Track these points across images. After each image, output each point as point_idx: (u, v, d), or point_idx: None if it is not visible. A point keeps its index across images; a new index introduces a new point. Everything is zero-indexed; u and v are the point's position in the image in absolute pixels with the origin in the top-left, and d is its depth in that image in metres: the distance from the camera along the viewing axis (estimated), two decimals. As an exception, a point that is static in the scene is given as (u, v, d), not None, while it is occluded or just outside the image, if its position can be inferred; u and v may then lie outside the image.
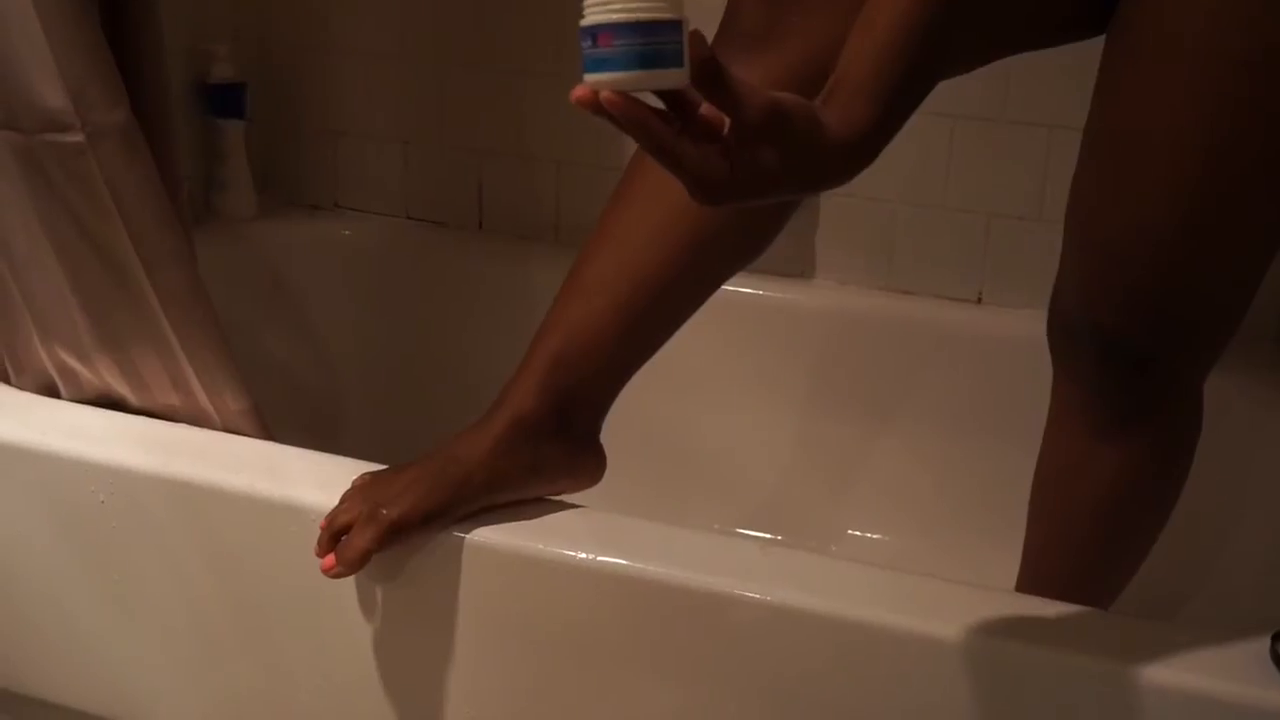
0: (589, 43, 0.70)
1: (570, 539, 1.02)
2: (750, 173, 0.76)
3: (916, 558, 1.53)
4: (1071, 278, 1.07)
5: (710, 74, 0.72)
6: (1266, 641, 0.91)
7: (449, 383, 1.70)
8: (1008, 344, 1.55)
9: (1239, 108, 0.92)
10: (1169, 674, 0.90)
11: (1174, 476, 1.11)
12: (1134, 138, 0.97)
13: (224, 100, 1.71)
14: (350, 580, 1.05)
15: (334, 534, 1.02)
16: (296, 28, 1.76)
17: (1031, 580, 1.17)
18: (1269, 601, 1.06)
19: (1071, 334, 1.08)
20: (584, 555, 1.01)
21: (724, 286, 1.10)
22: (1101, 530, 1.13)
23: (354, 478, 1.07)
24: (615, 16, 0.69)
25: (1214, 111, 0.93)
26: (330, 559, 1.01)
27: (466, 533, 1.03)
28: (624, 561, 1.00)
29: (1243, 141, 0.93)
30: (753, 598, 0.98)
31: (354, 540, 1.00)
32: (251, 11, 1.77)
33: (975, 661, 0.94)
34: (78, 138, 1.09)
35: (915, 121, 1.46)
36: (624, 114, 0.71)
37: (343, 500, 1.04)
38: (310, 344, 1.77)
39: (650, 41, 0.70)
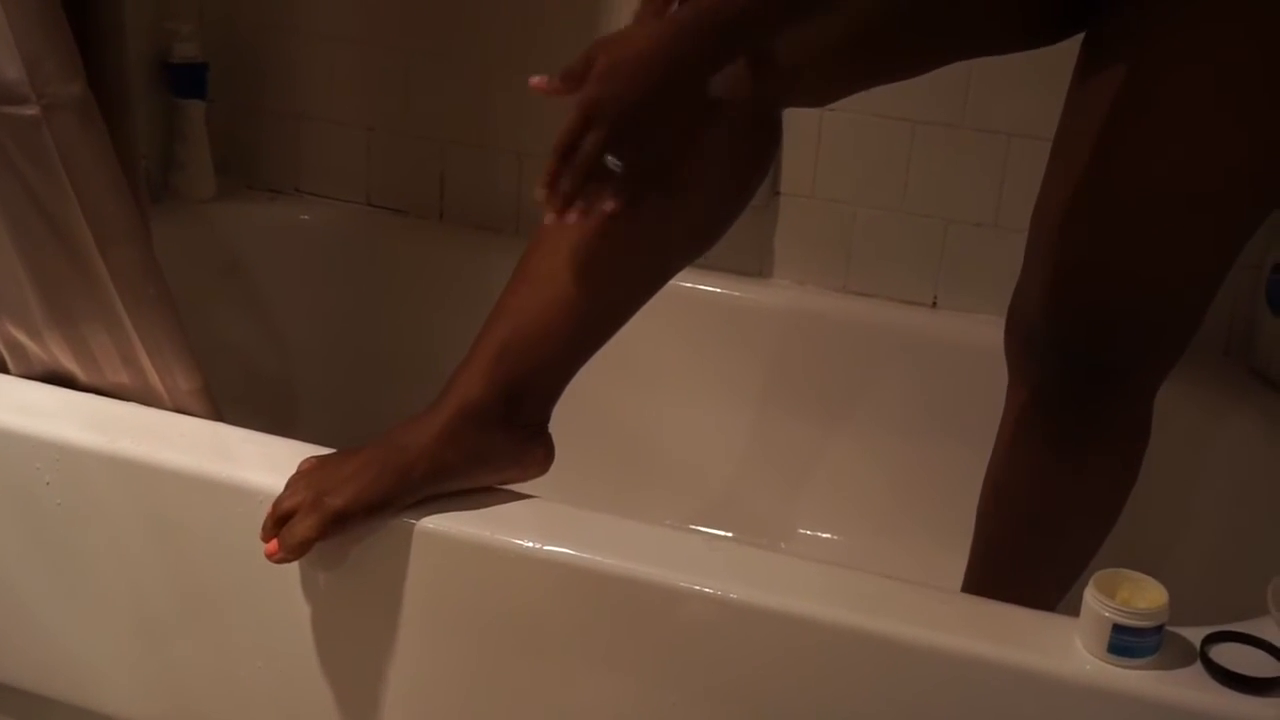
0: None
1: (516, 528, 1.03)
2: None
3: (866, 557, 1.54)
4: (1035, 288, 1.08)
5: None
6: (1198, 645, 0.93)
7: (404, 371, 1.70)
8: (962, 348, 1.56)
9: (1216, 125, 0.94)
10: (1107, 675, 0.92)
11: (1122, 485, 1.13)
12: (1107, 155, 0.98)
13: (185, 80, 1.70)
14: (295, 564, 1.05)
15: (278, 519, 1.01)
16: (261, 9, 1.75)
17: (978, 581, 1.19)
18: (1207, 606, 1.08)
19: (1032, 344, 1.09)
20: (530, 544, 1.01)
21: (680, 283, 1.11)
22: (1050, 536, 1.14)
23: (300, 461, 1.06)
24: None
25: (1190, 130, 0.95)
26: (273, 544, 1.01)
27: (414, 519, 1.03)
28: (569, 551, 1.01)
29: (1217, 158, 0.95)
30: (698, 591, 0.98)
31: (296, 528, 1.00)
32: (217, -9, 1.76)
33: (919, 659, 0.95)
34: (33, 110, 1.08)
35: (876, 124, 1.47)
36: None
37: (288, 486, 1.03)
38: (267, 328, 1.76)
39: None
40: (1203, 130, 0.96)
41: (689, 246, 1.08)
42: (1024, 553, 1.17)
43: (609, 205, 0.94)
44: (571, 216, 0.95)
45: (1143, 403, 1.09)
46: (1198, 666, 0.92)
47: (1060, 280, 1.05)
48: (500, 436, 1.05)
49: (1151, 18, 0.96)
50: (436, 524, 1.03)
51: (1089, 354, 1.04)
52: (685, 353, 1.63)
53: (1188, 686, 0.91)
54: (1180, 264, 1.01)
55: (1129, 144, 0.97)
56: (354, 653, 1.09)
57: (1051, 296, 1.06)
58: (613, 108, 0.92)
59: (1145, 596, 0.92)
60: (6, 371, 1.22)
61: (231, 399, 1.24)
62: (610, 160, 0.93)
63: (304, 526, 1.00)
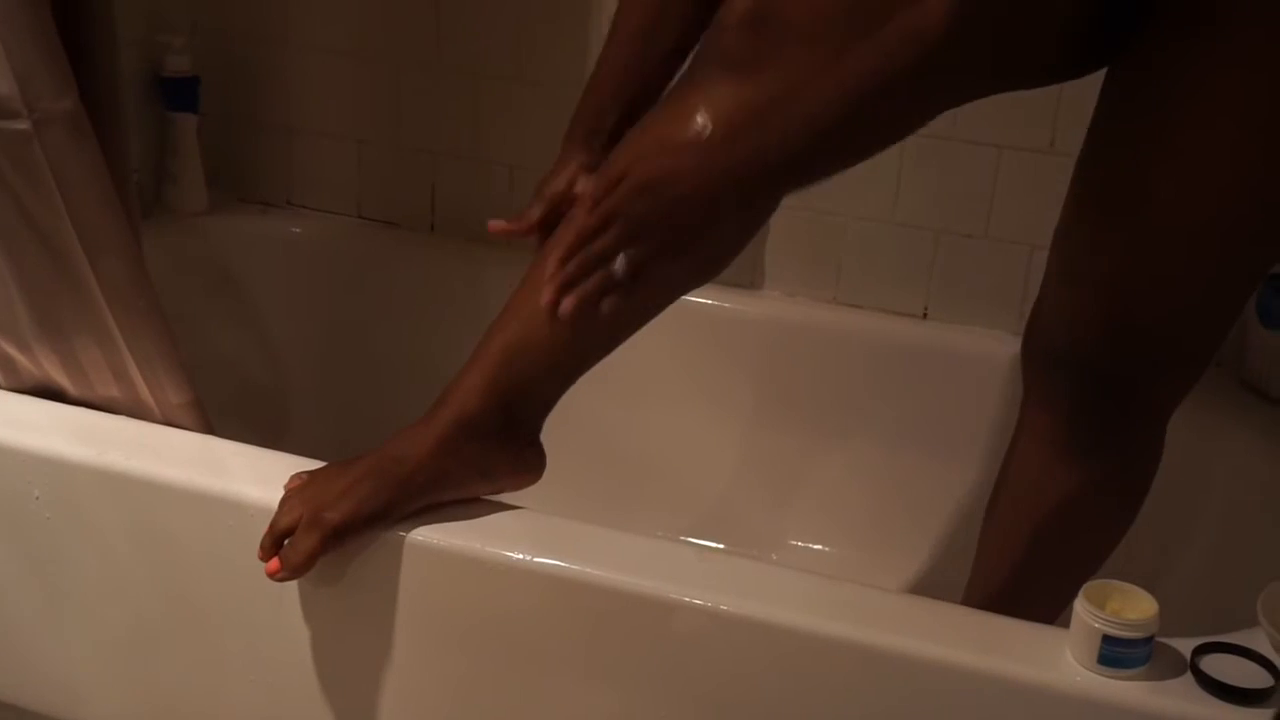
0: None
1: (506, 539, 1.03)
2: None
3: (856, 568, 1.54)
4: (1058, 309, 1.09)
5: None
6: (1188, 656, 0.93)
7: (395, 383, 1.70)
8: (952, 359, 1.57)
9: (1246, 157, 0.96)
10: (1097, 686, 0.92)
11: (1132, 505, 1.14)
12: (1139, 182, 0.99)
13: (177, 93, 1.70)
14: (286, 576, 1.05)
15: (277, 537, 1.01)
16: (253, 22, 1.75)
17: (981, 592, 1.19)
18: (1197, 617, 1.08)
19: (1054, 363, 1.09)
20: (520, 556, 1.01)
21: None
22: (1057, 551, 1.15)
23: (292, 474, 1.06)
24: None
25: (1221, 161, 0.96)
26: (275, 563, 1.01)
27: (405, 531, 1.03)
28: (560, 563, 1.01)
29: (1248, 188, 0.96)
30: (689, 602, 0.98)
31: (299, 545, 1.00)
32: (209, 4, 1.76)
33: (910, 670, 0.95)
34: (24, 125, 1.08)
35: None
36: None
37: (283, 503, 1.03)
38: (259, 341, 1.76)
39: None
40: (1233, 161, 0.96)
41: (694, 270, 1.08)
42: (1027, 566, 1.17)
43: (606, 306, 0.97)
44: (567, 306, 0.98)
45: (1158, 424, 1.11)
46: (1188, 677, 0.92)
47: (1085, 303, 1.06)
48: (496, 447, 1.05)
49: (1182, 56, 0.96)
50: (426, 536, 1.03)
51: (1113, 376, 1.05)
52: (675, 364, 1.64)
53: (1178, 697, 0.91)
54: (1209, 288, 1.02)
55: (1161, 173, 0.98)
56: (345, 664, 1.09)
57: (1075, 318, 1.07)
58: (632, 227, 0.94)
59: (1135, 607, 0.92)
60: (-4, 385, 1.22)
61: (223, 412, 1.24)
62: (619, 265, 0.95)
63: (307, 543, 1.00)
